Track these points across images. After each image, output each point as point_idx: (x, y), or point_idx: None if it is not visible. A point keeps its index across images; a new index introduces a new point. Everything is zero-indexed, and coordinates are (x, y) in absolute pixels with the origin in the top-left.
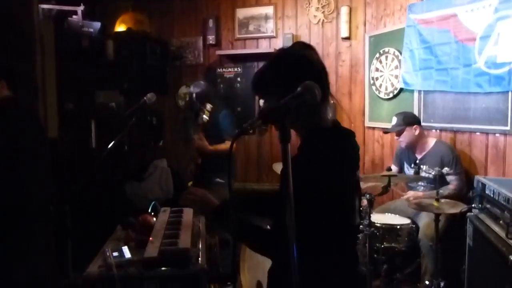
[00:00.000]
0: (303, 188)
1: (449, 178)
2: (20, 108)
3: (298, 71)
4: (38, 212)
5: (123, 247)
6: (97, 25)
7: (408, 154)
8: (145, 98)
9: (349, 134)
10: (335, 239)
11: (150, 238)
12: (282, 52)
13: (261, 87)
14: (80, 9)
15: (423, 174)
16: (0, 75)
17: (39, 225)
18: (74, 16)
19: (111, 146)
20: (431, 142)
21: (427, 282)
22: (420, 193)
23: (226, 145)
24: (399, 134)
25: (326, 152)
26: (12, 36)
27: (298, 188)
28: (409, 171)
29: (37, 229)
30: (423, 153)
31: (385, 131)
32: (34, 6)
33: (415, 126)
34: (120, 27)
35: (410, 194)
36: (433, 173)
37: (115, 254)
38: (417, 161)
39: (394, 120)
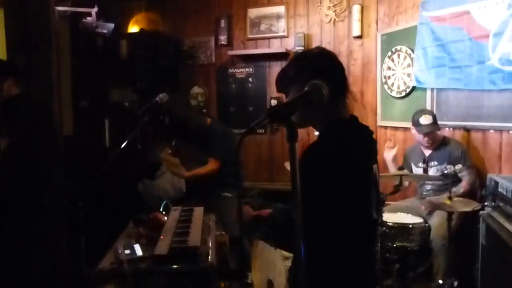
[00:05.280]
0: (319, 180)
1: (460, 174)
2: (31, 104)
3: (315, 67)
4: (50, 206)
5: (134, 245)
6: (111, 26)
7: (416, 153)
8: (157, 98)
9: (367, 129)
10: (352, 233)
11: (161, 236)
12: (302, 52)
13: (282, 85)
14: (94, 10)
15: (432, 171)
16: (6, 73)
17: (51, 218)
18: (88, 18)
19: (125, 145)
20: (439, 138)
21: (440, 281)
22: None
23: (206, 168)
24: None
25: (343, 144)
26: (29, 36)
27: (314, 179)
28: (417, 170)
29: (50, 222)
30: (431, 150)
31: (426, 131)
32: (51, 7)
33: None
34: (134, 27)
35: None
36: (445, 171)
37: (127, 251)
38: (425, 159)
39: (428, 118)
